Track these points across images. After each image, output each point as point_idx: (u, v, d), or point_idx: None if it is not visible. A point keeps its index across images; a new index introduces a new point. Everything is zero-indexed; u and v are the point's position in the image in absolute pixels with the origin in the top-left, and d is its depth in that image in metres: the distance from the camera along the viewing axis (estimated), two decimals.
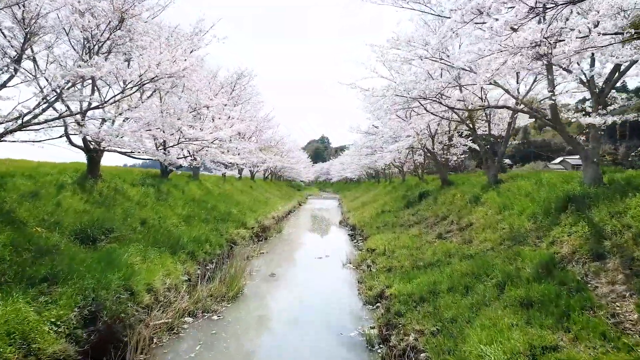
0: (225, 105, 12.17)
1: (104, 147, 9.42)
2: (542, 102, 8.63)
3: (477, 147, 16.63)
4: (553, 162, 65.38)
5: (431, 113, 10.97)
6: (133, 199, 10.89)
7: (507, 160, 57.58)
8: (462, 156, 16.18)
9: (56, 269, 5.26)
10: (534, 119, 16.53)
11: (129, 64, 6.22)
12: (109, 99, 6.72)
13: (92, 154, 10.74)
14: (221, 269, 9.16)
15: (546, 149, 69.63)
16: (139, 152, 9.99)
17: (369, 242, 11.81)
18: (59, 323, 4.35)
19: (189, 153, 11.50)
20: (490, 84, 7.56)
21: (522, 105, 7.83)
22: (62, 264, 5.49)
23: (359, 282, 8.74)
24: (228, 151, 16.05)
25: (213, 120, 10.41)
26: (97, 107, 6.87)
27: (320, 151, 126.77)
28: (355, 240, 14.47)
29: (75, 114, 6.17)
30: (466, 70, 7.31)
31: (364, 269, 9.73)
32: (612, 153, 53.21)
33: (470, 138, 15.52)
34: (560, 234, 5.85)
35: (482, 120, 12.28)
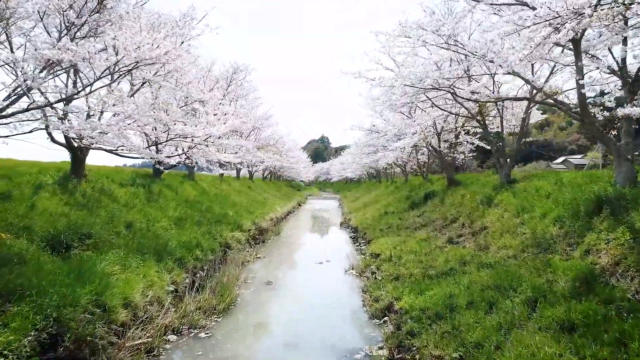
0: (221, 102, 11.43)
1: (87, 144, 8.68)
2: (564, 93, 7.88)
3: (487, 145, 15.93)
4: (555, 161, 64.72)
5: (439, 108, 10.24)
6: (120, 200, 10.15)
7: (508, 160, 56.83)
8: (470, 155, 15.45)
9: (14, 283, 4.52)
10: (543, 116, 15.80)
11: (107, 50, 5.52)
12: (83, 89, 5.97)
13: (76, 152, 10.01)
14: (213, 277, 8.43)
15: (548, 149, 68.98)
16: (125, 150, 9.24)
17: (373, 246, 11.07)
18: (6, 352, 3.61)
19: (182, 151, 10.78)
20: (509, 73, 6.82)
21: (543, 97, 7.09)
22: (23, 276, 4.75)
23: (363, 291, 8.00)
24: (225, 151, 15.32)
25: (207, 114, 9.67)
26: (67, 99, 6.12)
27: (320, 151, 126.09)
28: (357, 244, 13.73)
29: (44, 106, 5.43)
30: (482, 59, 6.57)
31: (368, 276, 8.99)
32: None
33: (477, 135, 14.79)
34: (596, 242, 5.11)
35: (494, 116, 11.53)
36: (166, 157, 9.23)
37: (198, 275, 7.99)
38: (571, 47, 6.37)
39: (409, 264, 8.01)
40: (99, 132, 7.54)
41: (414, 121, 13.80)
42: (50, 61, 5.12)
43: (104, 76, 5.97)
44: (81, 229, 6.88)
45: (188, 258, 8.14)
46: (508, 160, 10.30)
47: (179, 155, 9.55)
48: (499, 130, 11.44)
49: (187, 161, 13.84)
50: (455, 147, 14.50)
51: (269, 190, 31.44)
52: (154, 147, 12.82)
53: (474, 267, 6.47)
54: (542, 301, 4.43)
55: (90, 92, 5.97)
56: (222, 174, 23.53)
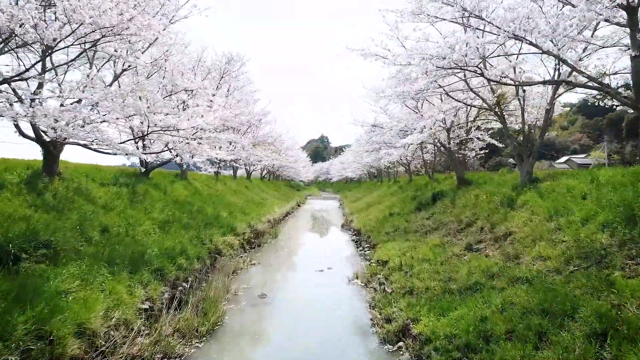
0: (215, 93, 10.38)
1: (54, 137, 7.61)
2: (609, 76, 6.84)
3: (500, 142, 14.90)
4: (558, 161, 63.81)
5: (453, 98, 9.21)
6: (98, 201, 9.09)
7: (510, 160, 56.05)
8: (482, 152, 14.43)
9: None
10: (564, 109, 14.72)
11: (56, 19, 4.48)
12: (32, 67, 4.92)
13: (48, 147, 8.94)
14: (199, 289, 7.37)
15: (550, 148, 67.99)
16: (104, 145, 8.17)
17: (379, 251, 10.02)
18: None
19: (166, 147, 9.72)
20: (544, 52, 5.77)
21: (584, 81, 6.04)
22: None
23: (371, 306, 6.95)
24: (220, 148, 14.25)
25: (197, 106, 8.59)
26: (7, 81, 5.05)
27: (319, 150, 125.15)
28: (361, 248, 12.67)
29: None
30: (514, 37, 5.52)
31: (376, 287, 7.95)
32: (619, 152, 51.61)
33: (490, 131, 13.76)
34: None
35: (511, 110, 10.47)
36: (144, 153, 8.18)
37: (180, 288, 6.93)
38: (621, 22, 5.34)
39: (423, 275, 6.96)
40: (66, 123, 6.51)
41: (422, 116, 12.77)
42: None
43: (57, 49, 4.92)
44: (39, 236, 5.82)
45: (169, 268, 7.07)
46: (530, 156, 9.24)
47: (161, 151, 8.48)
48: (517, 124, 10.40)
49: (176, 159, 12.83)
50: (465, 144, 13.46)
51: (267, 190, 30.38)
52: (135, 142, 11.79)
53: (504, 281, 5.42)
54: (614, 334, 3.38)
55: (43, 71, 4.89)
56: (217, 173, 22.49)
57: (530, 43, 5.83)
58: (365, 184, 43.56)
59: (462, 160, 13.59)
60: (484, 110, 12.45)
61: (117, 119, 8.11)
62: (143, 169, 11.28)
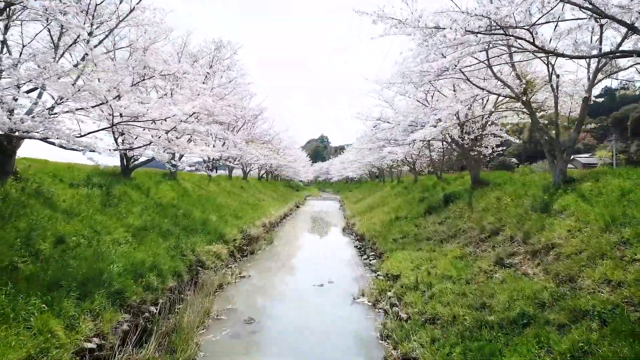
0: (197, 80, 9.03)
1: (13, 132, 6.29)
2: None
3: (516, 138, 13.57)
4: None
5: (476, 86, 7.89)
6: (60, 205, 7.76)
7: (513, 160, 54.80)
8: (499, 149, 13.11)
9: None
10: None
11: None
12: None
13: (2, 142, 7.64)
14: (172, 314, 6.06)
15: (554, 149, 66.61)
16: (61, 139, 6.84)
17: (388, 263, 8.69)
18: None
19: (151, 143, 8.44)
20: (611, 18, 4.45)
21: None
22: None
23: (382, 336, 5.64)
24: (213, 145, 12.91)
25: (172, 95, 7.28)
26: None
27: (319, 150, 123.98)
28: (365, 256, 11.34)
29: None
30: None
31: (386, 308, 6.63)
32: (625, 151, 50.38)
33: (509, 125, 12.44)
34: None
35: (539, 104, 9.12)
36: (116, 149, 6.87)
37: (147, 314, 5.60)
38: None
39: (446, 297, 5.65)
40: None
41: (432, 109, 11.45)
42: None
43: None
44: None
45: (134, 289, 5.74)
46: (565, 153, 7.93)
47: (131, 148, 7.16)
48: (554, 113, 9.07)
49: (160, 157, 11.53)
50: (480, 141, 12.14)
51: (264, 191, 29.05)
52: (114, 138, 10.48)
53: (563, 315, 4.10)
54: None
55: None
56: (210, 173, 21.16)
57: (587, 7, 4.53)
58: (367, 184, 42.23)
59: (477, 159, 12.28)
60: (506, 100, 11.15)
61: (81, 109, 6.83)
62: (137, 168, 9.89)
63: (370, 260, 10.73)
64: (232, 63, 12.74)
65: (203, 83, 10.97)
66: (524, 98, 8.09)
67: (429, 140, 14.12)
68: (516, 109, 10.03)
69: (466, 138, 11.82)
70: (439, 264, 7.21)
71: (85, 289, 5.13)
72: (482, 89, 8.05)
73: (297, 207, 31.66)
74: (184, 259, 7.88)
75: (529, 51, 5.32)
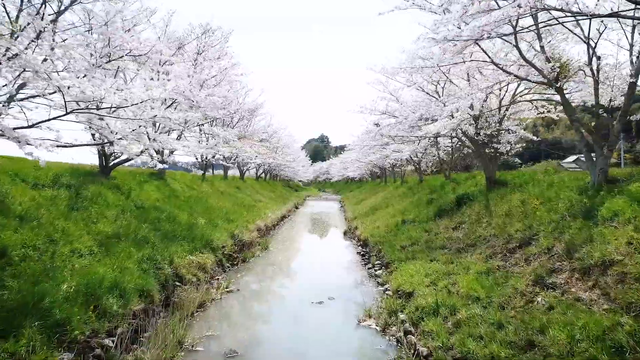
0: (174, 62, 7.83)
1: None
2: None
3: (534, 135, 12.38)
4: (566, 160, 61.40)
5: (502, 69, 6.71)
6: (14, 210, 6.58)
7: (516, 159, 53.63)
8: (518, 147, 11.92)
9: None
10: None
11: None
12: None
13: None
14: (136, 345, 4.87)
15: (557, 148, 65.52)
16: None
17: (397, 276, 7.51)
18: None
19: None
20: None
21: None
22: None
23: None
24: (198, 141, 11.66)
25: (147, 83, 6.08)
26: None
27: (319, 150, 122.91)
28: (370, 265, 10.14)
29: None
30: None
31: (399, 337, 5.46)
32: (630, 151, 49.30)
33: (528, 120, 11.27)
34: None
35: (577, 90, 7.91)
36: (74, 145, 5.69)
37: (97, 351, 4.41)
38: None
39: (478, 329, 4.47)
40: None
41: (444, 101, 10.29)
42: None
43: None
44: None
45: (80, 318, 4.54)
46: (606, 148, 6.75)
47: (98, 144, 5.99)
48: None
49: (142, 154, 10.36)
50: (497, 137, 10.94)
51: (261, 192, 27.85)
52: (93, 138, 9.30)
53: None
54: None
55: None
56: (204, 173, 20.00)
57: None
58: (368, 185, 41.02)
59: (494, 157, 11.08)
60: (525, 91, 9.98)
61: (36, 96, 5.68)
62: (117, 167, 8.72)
63: (375, 270, 9.55)
64: (222, 51, 11.56)
65: (172, 64, 9.79)
66: (557, 84, 6.91)
67: (438, 136, 12.94)
68: (540, 99, 8.84)
69: (482, 134, 10.63)
70: (461, 281, 6.03)
71: (10, 321, 3.95)
72: (509, 73, 6.85)
73: (296, 208, 30.49)
74: (157, 274, 6.68)
75: (567, 15, 4.12)
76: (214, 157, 20.07)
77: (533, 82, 7.03)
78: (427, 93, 11.54)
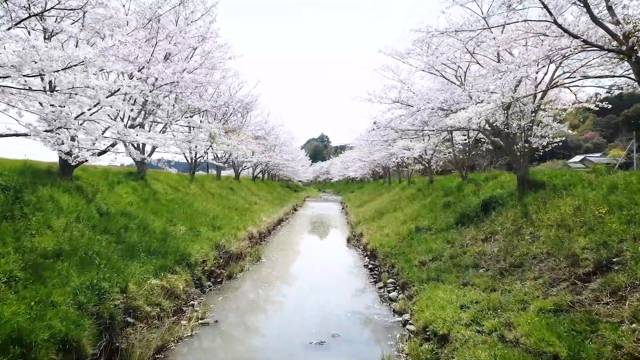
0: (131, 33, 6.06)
1: None
2: None
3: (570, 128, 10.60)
4: (572, 160, 59.72)
5: (567, 32, 4.96)
6: None
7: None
8: (556, 142, 10.14)
9: None
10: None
11: None
12: None
13: None
14: None
15: (562, 147, 63.85)
16: None
17: (422, 305, 5.76)
18: None
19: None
20: None
21: None
22: None
23: None
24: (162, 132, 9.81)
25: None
26: None
27: (319, 150, 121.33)
28: (381, 284, 8.36)
29: None
30: None
31: None
32: (638, 150, 47.61)
33: (567, 110, 9.53)
34: None
35: None
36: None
37: None
38: None
39: None
40: None
41: (464, 87, 8.56)
42: None
43: None
44: None
45: None
46: None
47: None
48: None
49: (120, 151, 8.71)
50: (530, 130, 9.18)
51: (258, 193, 26.09)
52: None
53: None
54: None
55: None
56: (193, 172, 18.25)
57: None
58: (370, 185, 39.23)
59: (529, 153, 9.31)
60: (566, 75, 8.23)
61: None
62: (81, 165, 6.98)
63: (388, 291, 7.79)
64: (207, 31, 9.80)
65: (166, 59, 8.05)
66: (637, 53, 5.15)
67: (459, 129, 11.20)
68: (596, 76, 7.09)
69: (514, 125, 8.89)
70: (520, 322, 4.28)
71: None
72: (576, 37, 5.08)
73: (295, 209, 28.72)
74: (100, 308, 4.92)
75: None
76: (203, 155, 18.37)
77: (606, 49, 5.27)
78: (447, 79, 9.80)
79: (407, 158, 19.31)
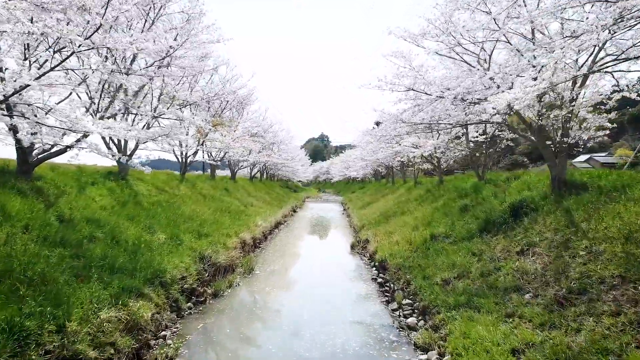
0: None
1: None
2: None
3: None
4: (577, 160, 58.35)
5: None
6: None
7: (525, 159, 50.60)
8: (602, 135, 8.78)
9: None
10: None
11: None
12: None
13: None
14: None
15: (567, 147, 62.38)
16: None
17: (460, 347, 4.41)
18: None
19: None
20: None
21: None
22: None
23: None
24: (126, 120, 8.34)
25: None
26: None
27: (319, 149, 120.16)
28: (395, 306, 6.98)
29: None
30: None
31: None
32: None
33: (616, 96, 8.18)
34: None
35: None
36: None
37: None
38: None
39: None
40: None
41: (486, 73, 7.22)
42: None
43: None
44: None
45: None
46: None
47: None
48: None
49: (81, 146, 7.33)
50: (569, 122, 7.82)
51: (255, 194, 24.72)
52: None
53: None
54: None
55: None
56: (184, 172, 16.88)
57: None
58: (372, 185, 37.85)
59: (564, 149, 7.96)
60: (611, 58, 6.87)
61: None
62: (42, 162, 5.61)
63: (405, 315, 6.44)
64: (192, 7, 8.45)
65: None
66: None
67: (486, 122, 9.85)
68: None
69: (551, 116, 7.54)
70: None
71: None
72: None
73: (294, 211, 27.37)
74: None
75: None
76: (194, 154, 17.02)
77: None
78: (468, 63, 8.45)
79: (414, 157, 17.96)
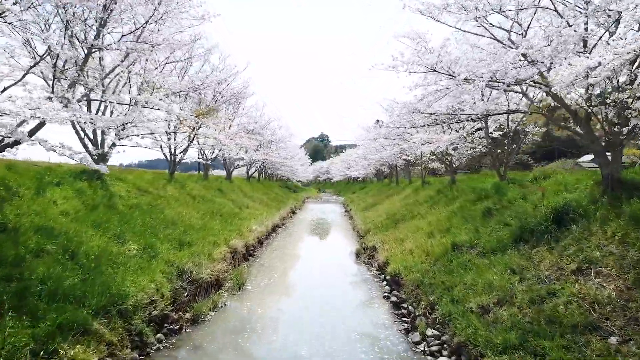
0: None
1: None
2: None
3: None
4: (583, 159, 56.98)
5: None
6: None
7: (528, 158, 49.17)
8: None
9: None
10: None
11: None
12: None
13: None
14: None
15: (571, 146, 61.24)
16: None
17: None
18: None
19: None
20: None
21: None
22: None
23: None
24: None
25: None
26: None
27: (319, 149, 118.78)
28: (418, 337, 5.60)
29: None
30: None
31: None
32: None
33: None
34: None
35: None
36: None
37: None
38: None
39: None
40: None
41: (527, 48, 5.84)
42: None
43: None
44: None
45: None
46: None
47: None
48: None
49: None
50: (626, 109, 6.44)
51: (252, 194, 23.29)
52: None
53: None
54: None
55: None
56: (173, 171, 15.47)
57: None
58: (374, 186, 36.43)
59: (620, 141, 6.59)
60: None
61: None
62: None
63: (433, 355, 5.04)
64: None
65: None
66: None
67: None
68: None
69: (607, 100, 6.15)
70: None
71: None
72: None
73: (294, 212, 25.97)
74: None
75: None
76: (183, 152, 15.61)
77: None
78: (500, 41, 7.06)
79: (423, 154, 16.58)
